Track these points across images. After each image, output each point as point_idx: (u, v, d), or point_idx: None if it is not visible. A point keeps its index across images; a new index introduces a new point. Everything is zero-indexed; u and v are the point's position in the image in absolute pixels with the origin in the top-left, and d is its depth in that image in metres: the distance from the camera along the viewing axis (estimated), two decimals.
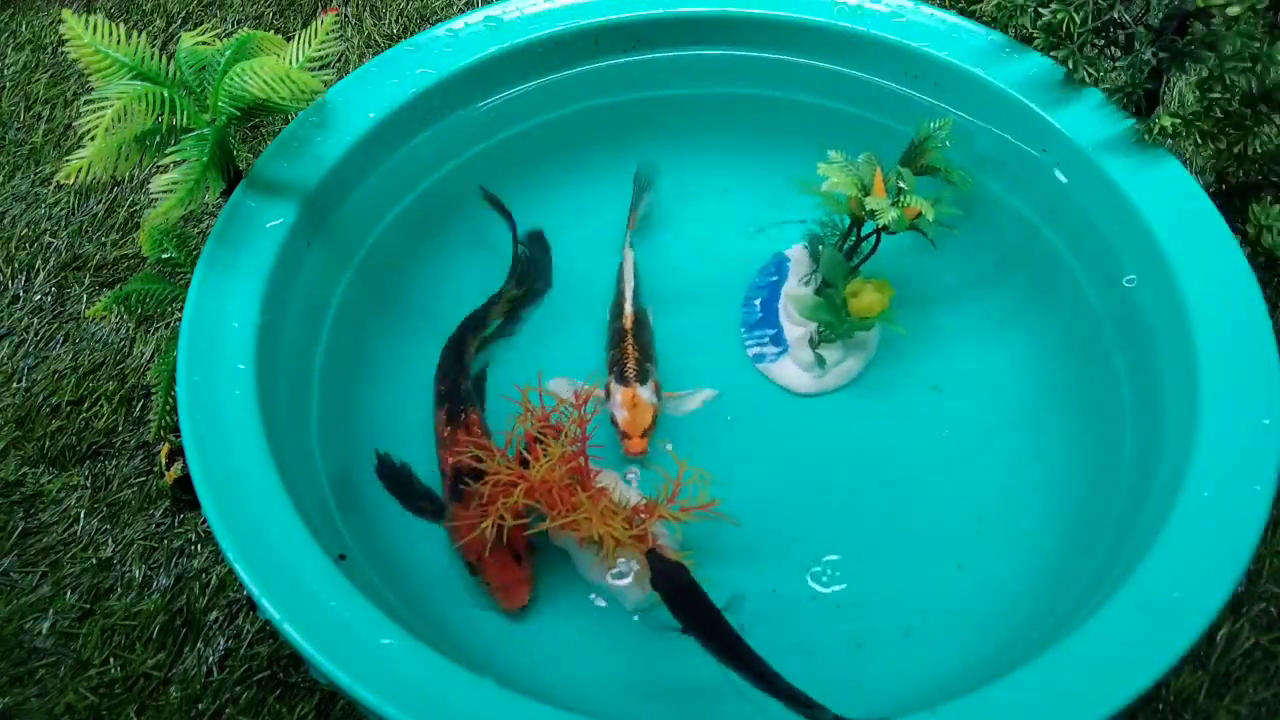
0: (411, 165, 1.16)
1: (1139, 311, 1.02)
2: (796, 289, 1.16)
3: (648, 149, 1.25)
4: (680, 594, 0.90)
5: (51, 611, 1.07)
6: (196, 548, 1.11)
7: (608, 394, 1.07)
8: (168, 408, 1.08)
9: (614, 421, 1.05)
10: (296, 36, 1.05)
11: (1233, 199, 1.14)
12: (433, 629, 0.90)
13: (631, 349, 1.08)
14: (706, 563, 0.95)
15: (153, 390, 1.09)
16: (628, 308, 1.12)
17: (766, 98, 1.24)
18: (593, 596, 0.97)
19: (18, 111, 1.53)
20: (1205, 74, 1.04)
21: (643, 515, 0.94)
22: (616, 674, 0.94)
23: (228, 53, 1.01)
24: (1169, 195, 1.03)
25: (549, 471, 0.93)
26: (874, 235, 1.08)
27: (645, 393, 1.06)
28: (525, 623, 0.96)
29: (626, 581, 0.96)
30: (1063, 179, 1.10)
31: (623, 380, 1.06)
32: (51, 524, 1.13)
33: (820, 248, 1.12)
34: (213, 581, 1.09)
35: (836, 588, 0.98)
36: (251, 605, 1.07)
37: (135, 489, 1.15)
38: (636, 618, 0.96)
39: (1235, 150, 1.08)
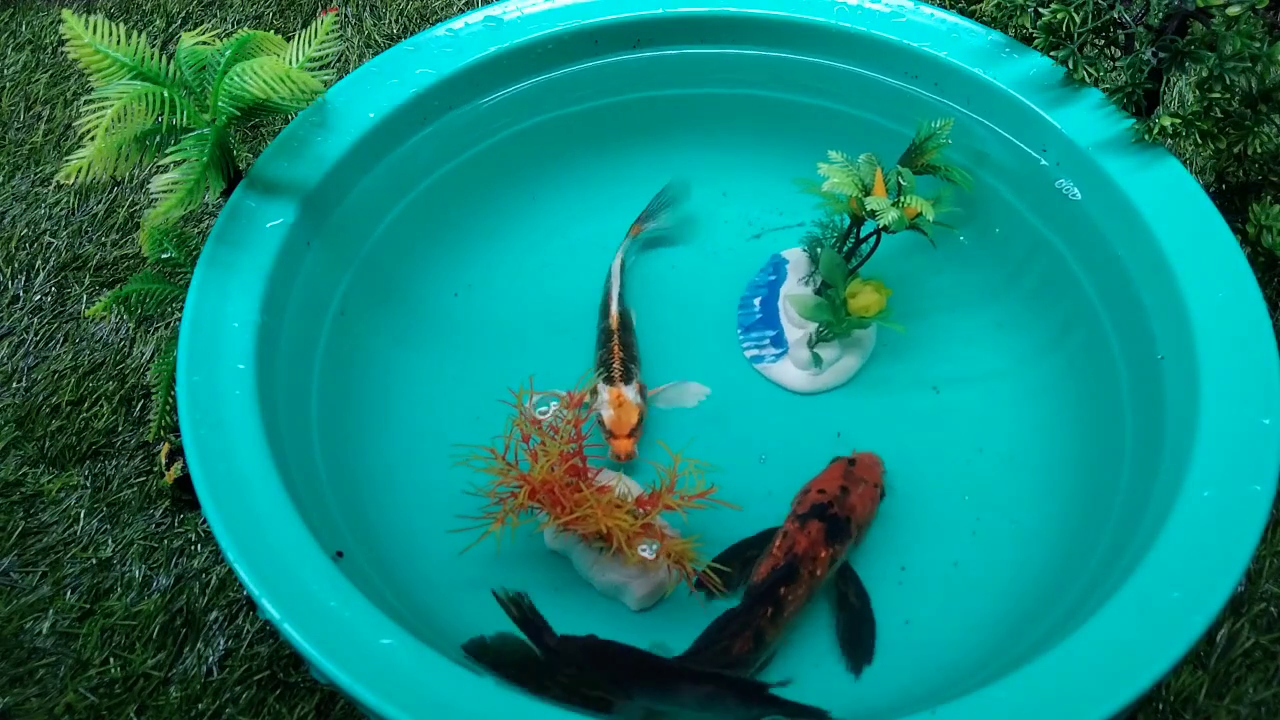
0: (411, 165, 1.16)
1: (1138, 312, 1.02)
2: (796, 289, 1.16)
3: (648, 150, 1.26)
4: (601, 657, 0.89)
5: (51, 611, 1.07)
6: (196, 548, 1.11)
7: (594, 395, 1.07)
8: (167, 408, 1.08)
9: (600, 422, 1.06)
10: (296, 36, 1.05)
11: (1233, 199, 1.14)
12: (433, 629, 0.90)
13: (618, 349, 1.09)
14: (710, 554, 0.95)
15: (153, 390, 1.09)
16: (614, 308, 1.13)
17: (766, 99, 1.24)
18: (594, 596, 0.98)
19: (18, 111, 1.53)
20: (1205, 74, 1.04)
21: (646, 508, 0.94)
22: None
23: (228, 53, 1.01)
24: (1169, 195, 1.03)
25: (548, 471, 0.93)
26: (874, 235, 1.08)
27: (630, 393, 1.06)
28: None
29: (627, 581, 0.96)
30: (1062, 179, 1.10)
31: (609, 380, 1.07)
32: (51, 524, 1.13)
33: (819, 249, 1.12)
34: (213, 581, 1.09)
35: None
36: (251, 605, 1.07)
37: (135, 489, 1.15)
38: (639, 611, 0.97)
39: (1235, 150, 1.08)
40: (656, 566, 0.95)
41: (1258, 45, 1.00)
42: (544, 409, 1.06)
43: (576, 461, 0.96)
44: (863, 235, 1.09)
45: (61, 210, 1.40)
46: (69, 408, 1.22)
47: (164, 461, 1.14)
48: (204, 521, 1.11)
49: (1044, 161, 1.12)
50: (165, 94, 0.97)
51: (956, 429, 1.09)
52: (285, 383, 0.99)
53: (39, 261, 1.35)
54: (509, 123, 1.22)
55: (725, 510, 0.95)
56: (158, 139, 0.99)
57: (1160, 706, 1.00)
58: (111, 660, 1.04)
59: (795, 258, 1.19)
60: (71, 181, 0.95)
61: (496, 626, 0.96)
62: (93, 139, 0.94)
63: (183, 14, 1.66)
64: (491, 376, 1.11)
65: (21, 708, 1.02)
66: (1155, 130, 1.05)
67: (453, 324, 1.17)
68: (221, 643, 1.05)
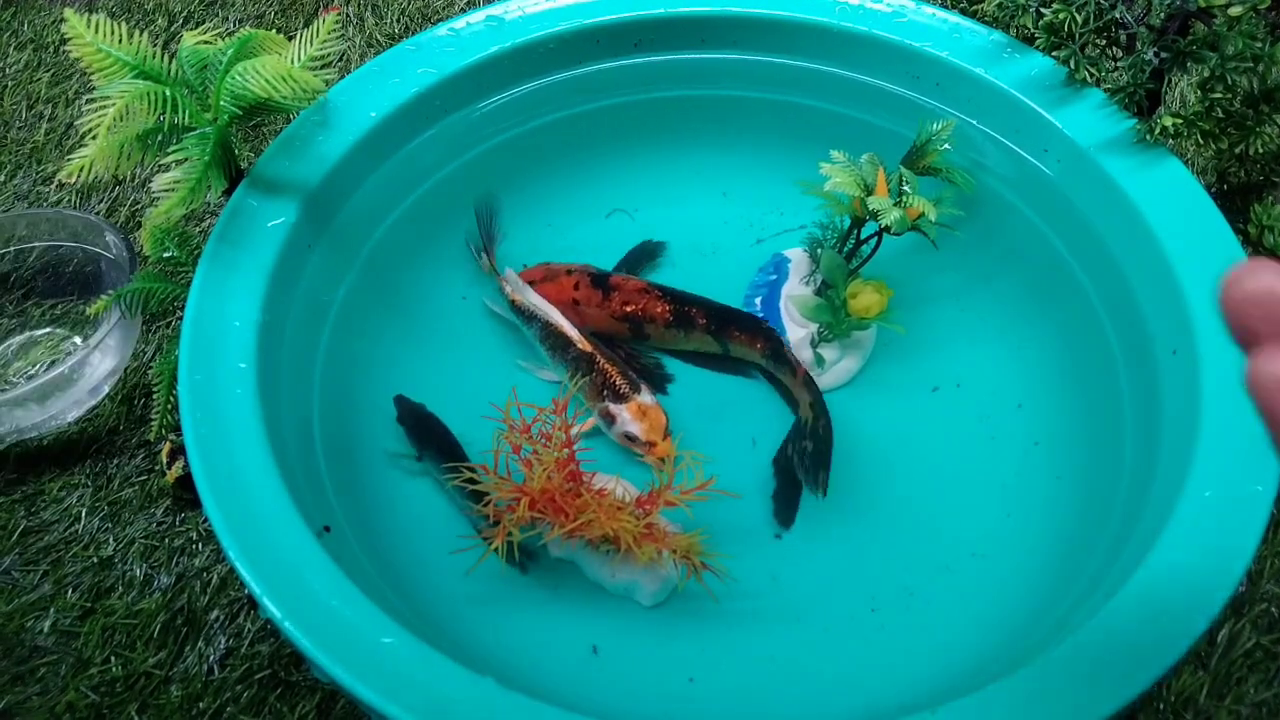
0: (414, 165, 1.16)
1: (1139, 312, 1.02)
2: (797, 289, 1.16)
3: (650, 150, 1.26)
4: (419, 423, 1.05)
5: (53, 610, 1.07)
6: (198, 546, 1.11)
7: (610, 419, 1.05)
8: (169, 406, 1.08)
9: (630, 440, 1.04)
10: (298, 36, 1.05)
11: (1234, 199, 1.14)
12: (435, 628, 0.90)
13: (609, 367, 1.07)
14: (714, 546, 0.96)
15: (154, 389, 1.09)
16: (573, 334, 1.09)
17: (767, 100, 1.24)
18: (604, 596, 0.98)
19: (19, 110, 1.53)
20: (1207, 74, 1.04)
21: (646, 507, 0.94)
22: (626, 672, 0.95)
23: (229, 52, 1.01)
24: (1170, 195, 1.03)
25: (546, 480, 0.93)
26: (875, 236, 1.08)
27: (646, 398, 1.06)
28: (525, 625, 0.97)
29: (637, 578, 0.96)
30: (1064, 179, 1.10)
31: (620, 398, 1.05)
32: (53, 522, 1.13)
33: (819, 250, 1.12)
34: (214, 580, 1.09)
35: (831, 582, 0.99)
36: (252, 604, 1.07)
37: (136, 488, 1.16)
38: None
39: (1237, 150, 1.08)
40: (664, 563, 0.95)
41: (1260, 45, 1.00)
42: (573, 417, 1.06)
43: (574, 466, 0.95)
44: (864, 236, 1.09)
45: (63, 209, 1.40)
46: None
47: (165, 460, 1.14)
48: (205, 520, 1.11)
49: (1045, 162, 1.12)
50: (167, 93, 0.97)
51: (956, 430, 1.09)
52: (288, 381, 0.99)
53: None
54: (510, 123, 1.21)
55: (726, 500, 0.96)
56: (159, 138, 0.99)
57: (1161, 706, 1.00)
58: (112, 659, 1.04)
59: (797, 257, 1.19)
60: (73, 180, 0.95)
61: (499, 627, 0.96)
62: (94, 138, 0.94)
63: (185, 13, 1.66)
64: (493, 379, 1.11)
65: (23, 706, 1.02)
66: (1157, 130, 1.05)
67: (456, 325, 1.17)
68: (222, 641, 1.05)
